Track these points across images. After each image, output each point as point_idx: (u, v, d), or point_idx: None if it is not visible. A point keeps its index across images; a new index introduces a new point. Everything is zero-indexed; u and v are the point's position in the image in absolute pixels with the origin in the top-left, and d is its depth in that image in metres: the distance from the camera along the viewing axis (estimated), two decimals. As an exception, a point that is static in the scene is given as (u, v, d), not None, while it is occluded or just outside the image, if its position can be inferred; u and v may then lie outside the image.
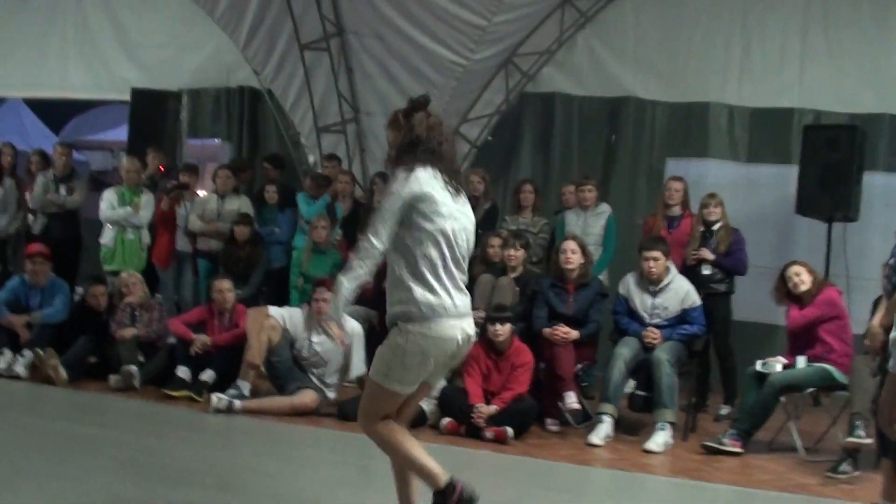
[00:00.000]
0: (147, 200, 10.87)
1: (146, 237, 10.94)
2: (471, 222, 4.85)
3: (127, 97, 13.06)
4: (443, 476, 4.70)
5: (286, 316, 8.73)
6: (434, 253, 4.64)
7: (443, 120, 4.93)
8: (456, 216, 4.72)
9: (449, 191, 4.72)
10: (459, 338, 4.70)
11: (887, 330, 5.76)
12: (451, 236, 4.68)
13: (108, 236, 10.83)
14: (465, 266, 4.81)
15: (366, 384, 4.90)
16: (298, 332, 8.67)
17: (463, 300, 4.74)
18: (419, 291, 4.60)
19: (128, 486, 5.83)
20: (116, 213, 10.75)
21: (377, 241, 4.60)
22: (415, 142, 4.74)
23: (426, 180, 4.66)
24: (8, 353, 9.34)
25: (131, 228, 10.78)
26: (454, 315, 4.67)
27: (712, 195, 9.35)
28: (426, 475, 4.75)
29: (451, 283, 4.68)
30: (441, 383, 8.20)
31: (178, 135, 13.64)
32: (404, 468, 4.92)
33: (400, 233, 4.65)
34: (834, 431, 7.91)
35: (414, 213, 4.62)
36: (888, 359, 5.75)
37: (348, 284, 4.67)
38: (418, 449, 4.79)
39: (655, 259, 8.32)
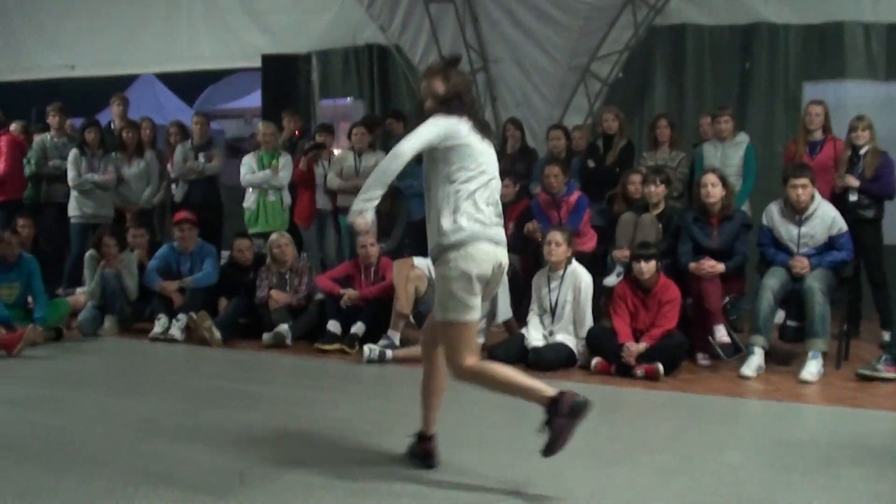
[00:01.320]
0: (285, 162, 11.07)
1: (287, 198, 11.15)
2: (496, 168, 5.08)
3: (257, 64, 13.26)
4: (550, 390, 4.82)
5: (431, 265, 8.81)
6: (469, 186, 4.86)
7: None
8: (487, 160, 4.99)
9: (481, 139, 4.99)
10: (493, 263, 4.89)
11: None
12: (485, 174, 4.93)
13: (250, 200, 11.08)
14: (500, 208, 5.05)
15: (440, 329, 5.00)
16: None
17: (498, 231, 4.96)
18: (454, 219, 4.83)
19: (288, 437, 6.01)
20: (256, 177, 10.97)
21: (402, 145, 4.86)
22: (454, 96, 5.01)
23: (465, 129, 4.91)
24: (164, 318, 9.65)
25: (272, 190, 11.00)
26: (487, 239, 4.87)
27: (860, 118, 9.10)
28: (534, 394, 4.85)
29: (485, 213, 4.90)
30: (589, 324, 8.26)
31: (311, 96, 13.83)
32: (434, 395, 5.35)
33: (437, 168, 4.90)
34: None
35: (450, 151, 4.86)
36: None
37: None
38: (516, 373, 5.00)
39: (804, 186, 8.15)
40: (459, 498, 4.84)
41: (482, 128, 5.05)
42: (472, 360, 4.93)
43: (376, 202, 4.90)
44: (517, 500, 4.83)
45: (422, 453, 5.35)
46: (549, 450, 4.76)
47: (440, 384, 5.32)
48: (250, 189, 11.08)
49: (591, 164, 10.54)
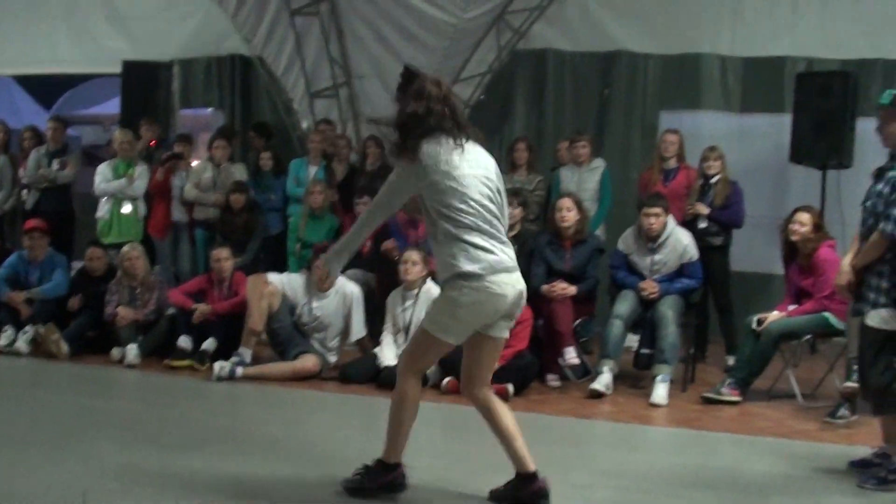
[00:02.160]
0: (141, 172, 10.85)
1: (142, 209, 10.94)
2: (487, 169, 4.94)
3: (118, 70, 12.99)
4: (399, 457, 5.08)
5: (285, 282, 8.77)
6: (466, 209, 4.75)
7: (438, 79, 5.05)
8: (473, 172, 4.83)
9: (458, 151, 4.82)
10: (510, 294, 4.83)
11: (858, 271, 5.82)
12: (477, 193, 4.79)
13: (103, 209, 10.82)
14: (505, 216, 4.95)
15: (418, 332, 5.03)
16: (298, 298, 8.71)
17: (508, 252, 4.87)
18: (465, 250, 4.73)
19: (135, 456, 5.87)
20: (111, 186, 10.73)
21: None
22: (416, 116, 4.85)
23: (432, 154, 4.77)
24: (10, 330, 9.36)
25: (126, 200, 10.77)
26: (501, 269, 4.78)
27: (712, 148, 9.35)
28: (393, 442, 5.05)
29: (492, 236, 4.80)
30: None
31: (171, 105, 13.58)
32: (507, 432, 5.12)
33: (431, 199, 4.79)
34: (831, 377, 7.97)
35: (435, 182, 4.76)
36: (857, 302, 5.84)
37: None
38: (409, 420, 5.06)
39: (657, 216, 8.34)
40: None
41: (455, 132, 4.86)
42: (413, 378, 5.02)
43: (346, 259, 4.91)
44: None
45: (532, 493, 5.11)
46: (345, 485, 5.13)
47: (509, 420, 5.15)
48: (104, 198, 10.83)
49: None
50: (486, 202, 4.82)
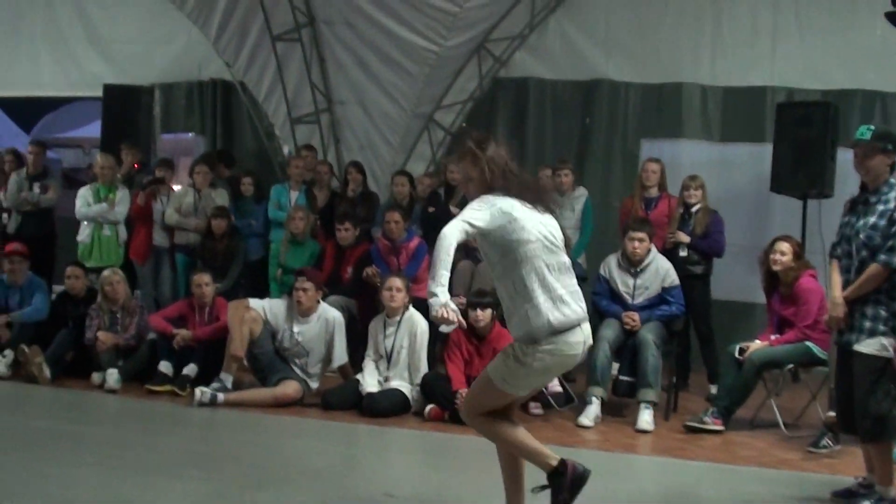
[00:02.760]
0: (122, 196, 10.80)
1: (123, 233, 10.89)
2: (557, 229, 4.92)
3: (99, 93, 12.96)
4: (554, 457, 4.86)
5: (267, 307, 8.73)
6: (539, 266, 4.72)
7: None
8: (544, 223, 4.80)
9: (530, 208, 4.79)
10: (581, 347, 4.83)
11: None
12: (547, 244, 4.77)
13: (84, 233, 10.76)
14: (571, 269, 4.93)
15: (481, 378, 4.97)
16: (280, 323, 8.67)
17: (580, 304, 4.86)
18: (536, 310, 4.70)
19: (114, 481, 5.84)
20: (92, 210, 10.68)
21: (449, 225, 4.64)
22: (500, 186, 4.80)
23: (508, 203, 4.72)
24: (-11, 354, 9.30)
25: (108, 225, 10.72)
26: (575, 321, 4.77)
27: (693, 177, 9.39)
28: (536, 456, 4.90)
29: (564, 290, 4.79)
30: (423, 369, 8.27)
31: (152, 130, 13.54)
32: (514, 469, 5.08)
33: (502, 259, 4.74)
34: (814, 407, 8.01)
35: (506, 234, 4.69)
36: (842, 333, 5.87)
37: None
38: (525, 433, 4.95)
39: (641, 240, 8.37)
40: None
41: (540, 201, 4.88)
42: (482, 417, 4.95)
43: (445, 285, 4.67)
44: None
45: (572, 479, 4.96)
46: None
47: (520, 466, 5.11)
48: (85, 222, 10.78)
49: (431, 210, 10.60)
50: (560, 245, 4.93)
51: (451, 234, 4.56)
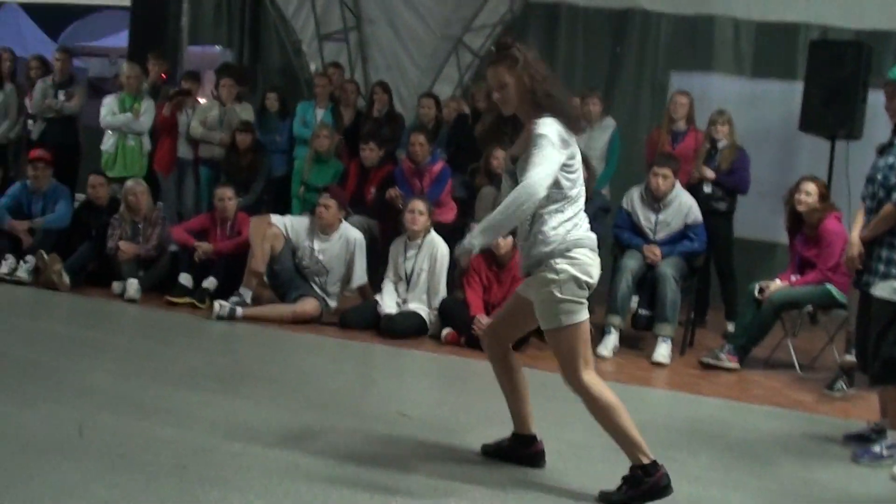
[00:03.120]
0: (147, 106, 10.79)
1: (147, 143, 10.90)
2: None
3: (127, 2, 12.91)
4: (648, 453, 4.67)
5: (288, 224, 8.76)
6: (573, 192, 4.56)
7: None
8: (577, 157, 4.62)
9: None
10: (597, 270, 4.66)
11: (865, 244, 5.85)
12: (579, 176, 4.62)
13: (108, 143, 10.78)
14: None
15: (552, 341, 4.72)
16: (301, 240, 8.71)
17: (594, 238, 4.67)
18: (566, 226, 4.54)
19: (131, 389, 5.90)
20: (117, 119, 10.68)
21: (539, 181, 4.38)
22: (543, 93, 4.57)
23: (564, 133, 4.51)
24: (11, 259, 9.33)
25: (132, 135, 10.72)
26: (592, 248, 4.63)
27: (721, 112, 9.30)
28: (630, 445, 4.69)
29: (585, 219, 4.66)
30: (442, 293, 8.30)
31: (179, 41, 13.51)
32: (518, 393, 5.05)
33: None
34: (830, 349, 8.01)
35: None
36: (861, 274, 5.85)
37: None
38: (625, 416, 4.71)
39: (665, 176, 8.31)
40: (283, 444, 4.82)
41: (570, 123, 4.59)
42: (588, 374, 4.70)
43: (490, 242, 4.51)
44: (355, 467, 4.82)
45: (532, 455, 5.08)
46: (607, 500, 4.71)
47: (522, 380, 5.08)
48: (109, 132, 10.78)
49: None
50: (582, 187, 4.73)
51: (534, 198, 4.38)
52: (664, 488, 4.64)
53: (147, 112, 10.76)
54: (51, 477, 4.35)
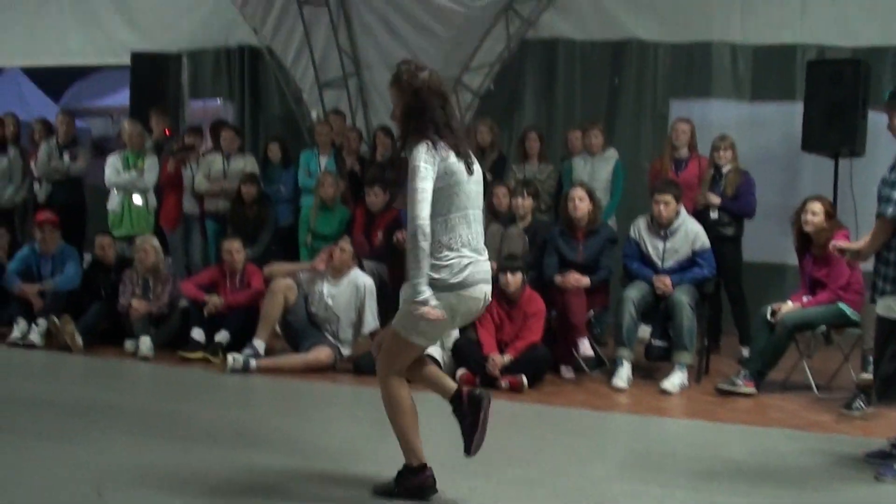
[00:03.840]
0: (151, 163, 10.85)
1: (153, 200, 10.94)
2: (480, 184, 4.97)
3: (127, 61, 13.01)
4: (421, 457, 5.03)
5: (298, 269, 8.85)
6: (460, 218, 4.78)
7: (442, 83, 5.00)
8: (471, 181, 4.85)
9: (459, 160, 4.82)
10: (484, 299, 4.90)
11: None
12: (471, 200, 4.84)
13: (114, 202, 10.82)
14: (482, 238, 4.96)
15: (390, 335, 5.00)
16: (312, 286, 8.76)
17: (487, 261, 4.93)
18: (452, 257, 4.74)
19: (149, 449, 5.91)
20: (122, 178, 10.72)
21: (423, 220, 4.65)
22: (422, 109, 4.83)
23: (444, 153, 4.76)
24: (23, 322, 9.38)
25: (137, 192, 10.76)
26: (482, 278, 4.84)
27: (723, 137, 9.29)
28: (408, 447, 5.02)
29: (478, 244, 4.87)
30: (455, 334, 8.28)
31: (180, 97, 13.59)
32: (428, 379, 5.18)
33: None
34: (846, 368, 7.99)
35: (439, 183, 4.73)
36: (875, 289, 5.85)
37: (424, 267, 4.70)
38: (411, 421, 5.03)
39: (666, 203, 8.31)
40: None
41: (459, 144, 4.86)
42: (397, 380, 5.01)
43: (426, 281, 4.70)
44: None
45: (418, 485, 5.10)
46: (469, 447, 5.00)
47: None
48: (115, 190, 10.83)
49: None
50: (480, 204, 5.01)
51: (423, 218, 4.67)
52: (428, 489, 5.03)
53: (151, 169, 10.82)
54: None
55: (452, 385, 5.08)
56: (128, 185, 10.73)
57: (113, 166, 10.79)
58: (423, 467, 5.02)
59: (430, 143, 4.74)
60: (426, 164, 4.69)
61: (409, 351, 4.96)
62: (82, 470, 5.38)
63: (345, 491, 5.19)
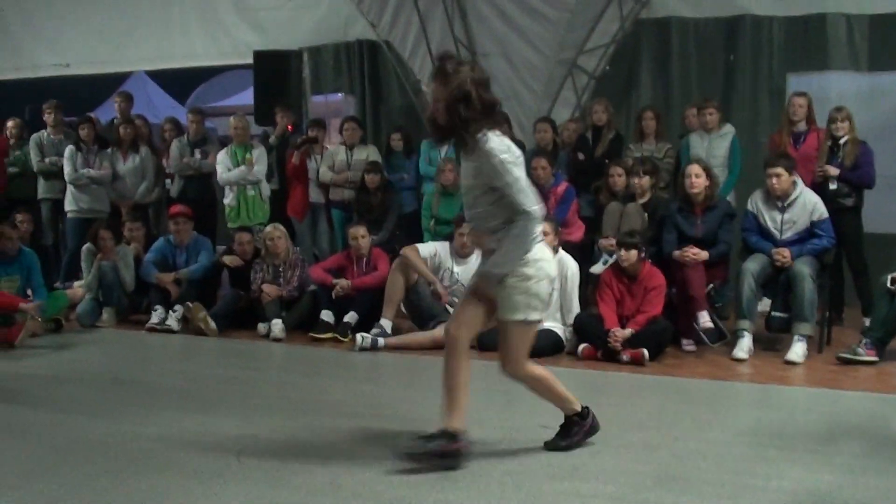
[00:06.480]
0: (259, 154, 11.19)
1: (266, 189, 11.28)
2: None
3: (248, 61, 13.39)
4: (578, 403, 5.44)
5: (432, 251, 9.15)
6: None
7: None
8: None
9: None
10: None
11: None
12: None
13: (230, 196, 11.23)
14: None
15: (508, 332, 5.16)
16: (443, 263, 9.07)
17: None
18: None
19: (284, 419, 6.16)
20: (233, 175, 11.07)
21: (535, 208, 4.98)
22: (477, 100, 4.96)
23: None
24: (161, 310, 9.79)
25: (250, 185, 11.14)
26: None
27: (839, 108, 9.27)
28: (564, 403, 5.43)
29: None
30: (576, 309, 8.41)
31: (303, 92, 13.95)
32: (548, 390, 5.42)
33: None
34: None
35: None
36: None
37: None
38: (556, 382, 5.41)
39: (778, 175, 8.33)
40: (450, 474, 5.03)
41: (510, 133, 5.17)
42: (531, 366, 5.31)
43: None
44: (507, 475, 5.00)
45: (589, 429, 5.51)
46: (554, 448, 5.39)
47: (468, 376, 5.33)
48: (228, 187, 11.25)
49: (580, 156, 10.71)
50: None
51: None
52: (596, 428, 5.50)
53: (260, 160, 11.15)
54: (213, 500, 4.65)
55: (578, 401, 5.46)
56: (239, 179, 11.10)
57: (223, 164, 11.15)
58: (586, 408, 5.47)
59: (497, 132, 4.97)
60: (508, 153, 4.95)
61: (531, 331, 5.20)
62: (223, 439, 5.67)
63: (477, 453, 5.34)
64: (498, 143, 4.92)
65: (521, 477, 4.98)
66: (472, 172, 5.05)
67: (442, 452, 5.09)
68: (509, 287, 5.02)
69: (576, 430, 5.43)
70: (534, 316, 5.09)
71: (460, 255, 9.00)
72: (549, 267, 5.09)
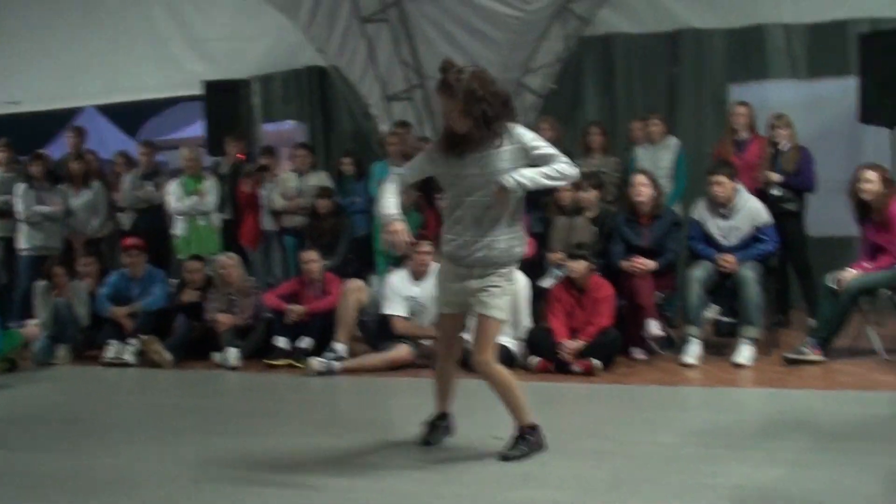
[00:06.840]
0: (210, 185, 11.34)
1: (216, 220, 11.40)
2: None
3: (198, 91, 13.43)
4: (531, 416, 5.61)
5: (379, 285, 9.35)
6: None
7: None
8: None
9: None
10: None
11: None
12: None
13: (180, 227, 11.29)
14: None
15: (484, 325, 5.46)
16: (399, 292, 9.03)
17: None
18: (518, 233, 5.50)
19: (242, 445, 6.20)
20: (185, 205, 11.19)
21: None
22: (490, 101, 5.27)
23: None
24: (116, 343, 9.76)
25: (200, 216, 11.22)
26: None
27: (779, 116, 9.45)
28: (521, 412, 5.59)
29: None
30: (526, 323, 8.50)
31: (253, 121, 13.98)
32: (450, 381, 5.92)
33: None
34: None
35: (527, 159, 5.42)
36: None
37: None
38: (519, 390, 5.63)
39: (720, 183, 8.48)
40: (404, 476, 5.08)
41: None
42: (493, 358, 5.53)
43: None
44: (456, 486, 5.09)
45: (538, 441, 5.66)
46: (506, 458, 5.51)
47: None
48: (179, 217, 11.29)
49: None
50: None
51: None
52: (543, 443, 5.62)
53: (211, 191, 11.31)
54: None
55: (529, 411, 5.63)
56: (190, 210, 11.20)
57: (175, 194, 11.26)
58: (536, 425, 5.62)
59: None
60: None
61: (498, 330, 5.53)
62: (181, 465, 5.72)
63: (428, 466, 5.47)
64: (525, 129, 5.42)
65: (476, 487, 5.07)
66: (497, 167, 5.31)
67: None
68: (493, 288, 5.40)
69: (528, 441, 5.56)
70: (505, 317, 5.54)
71: (417, 275, 9.01)
72: (516, 287, 5.33)
